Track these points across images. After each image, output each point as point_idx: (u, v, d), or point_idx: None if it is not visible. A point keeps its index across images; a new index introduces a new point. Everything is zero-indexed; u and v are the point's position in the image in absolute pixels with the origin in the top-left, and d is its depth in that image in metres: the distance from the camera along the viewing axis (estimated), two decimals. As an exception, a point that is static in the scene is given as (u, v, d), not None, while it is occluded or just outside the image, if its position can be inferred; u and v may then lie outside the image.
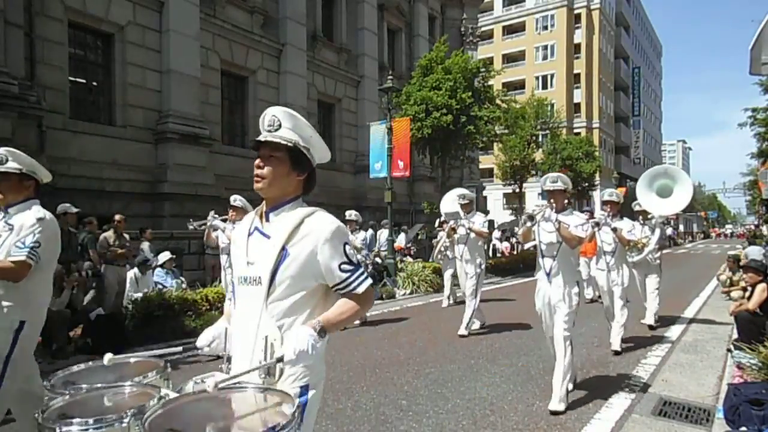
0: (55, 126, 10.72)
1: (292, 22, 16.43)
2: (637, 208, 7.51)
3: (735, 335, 5.91)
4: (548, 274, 4.33)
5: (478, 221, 7.05)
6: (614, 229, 5.76)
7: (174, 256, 8.86)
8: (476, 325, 7.24)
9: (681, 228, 52.99)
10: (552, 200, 4.38)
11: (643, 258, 7.05)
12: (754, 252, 10.79)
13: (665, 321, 7.99)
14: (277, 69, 16.42)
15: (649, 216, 7.44)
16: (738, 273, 9.84)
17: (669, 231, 40.97)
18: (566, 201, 4.52)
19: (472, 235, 7.03)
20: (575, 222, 4.26)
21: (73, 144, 11.09)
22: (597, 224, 5.70)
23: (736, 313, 5.95)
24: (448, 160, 17.39)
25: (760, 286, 5.64)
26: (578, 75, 48.92)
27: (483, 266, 7.17)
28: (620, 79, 57.13)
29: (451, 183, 19.17)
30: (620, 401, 4.27)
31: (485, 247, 10.45)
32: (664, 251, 8.63)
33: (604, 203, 6.38)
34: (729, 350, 5.64)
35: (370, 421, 3.85)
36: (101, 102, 12.33)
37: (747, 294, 6.19)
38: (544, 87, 47.12)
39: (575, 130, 45.17)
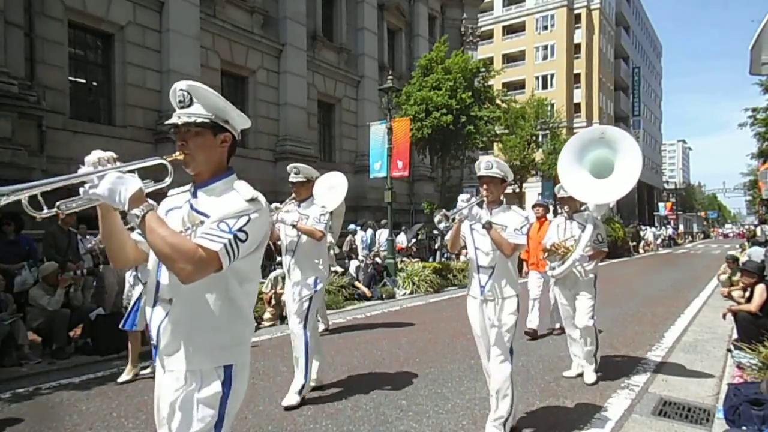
0: (55, 126, 10.71)
1: (292, 22, 16.43)
2: (561, 194, 4.95)
3: (735, 335, 5.91)
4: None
5: (314, 213, 4.40)
6: (486, 226, 3.32)
7: None
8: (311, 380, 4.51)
9: (681, 228, 53.07)
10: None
11: (566, 270, 4.80)
12: (756, 253, 10.78)
13: (665, 321, 7.99)
14: (277, 69, 16.42)
15: (582, 207, 4.98)
16: (737, 273, 9.83)
17: (669, 231, 41.22)
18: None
19: (304, 237, 4.37)
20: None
21: (73, 144, 11.07)
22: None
23: (728, 312, 5.95)
24: (448, 160, 17.37)
25: (760, 287, 5.64)
26: (578, 75, 48.91)
27: (321, 285, 4.46)
28: (620, 79, 57.14)
29: (451, 183, 19.19)
30: (620, 401, 4.27)
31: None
32: (663, 251, 8.32)
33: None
34: (729, 350, 5.64)
35: (370, 421, 3.85)
36: (101, 102, 12.32)
37: (746, 295, 6.19)
38: (544, 87, 47.11)
39: (575, 130, 45.05)
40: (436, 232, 16.56)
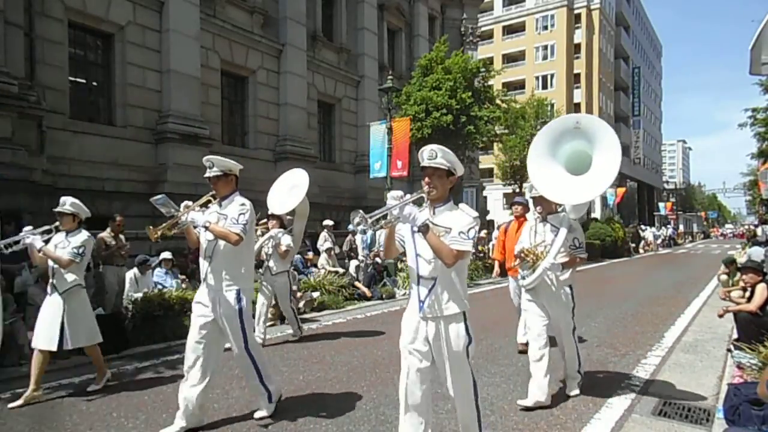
0: (55, 126, 10.72)
1: (292, 22, 16.43)
2: (533, 192, 4.35)
3: (735, 335, 5.91)
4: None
5: (232, 213, 3.77)
6: (422, 228, 2.67)
7: (172, 258, 8.76)
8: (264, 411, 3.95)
9: (681, 228, 53.06)
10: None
11: (536, 281, 4.19)
12: (756, 253, 10.78)
13: (665, 321, 7.99)
14: (277, 69, 16.42)
15: (558, 208, 4.37)
16: (735, 276, 9.83)
17: (669, 231, 41.21)
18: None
19: (222, 241, 3.75)
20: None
21: (73, 144, 11.09)
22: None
23: (723, 312, 5.93)
24: (448, 160, 17.38)
25: (761, 286, 5.63)
26: (578, 75, 48.94)
27: (245, 300, 3.78)
28: (620, 79, 57.16)
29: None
30: (620, 401, 4.26)
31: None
32: (663, 251, 8.13)
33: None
34: (729, 350, 5.64)
35: (370, 421, 3.85)
36: (101, 102, 12.33)
37: (747, 294, 6.18)
38: (544, 87, 47.12)
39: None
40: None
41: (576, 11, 48.86)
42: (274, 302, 7.91)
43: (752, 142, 27.86)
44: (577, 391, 4.40)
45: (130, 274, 7.94)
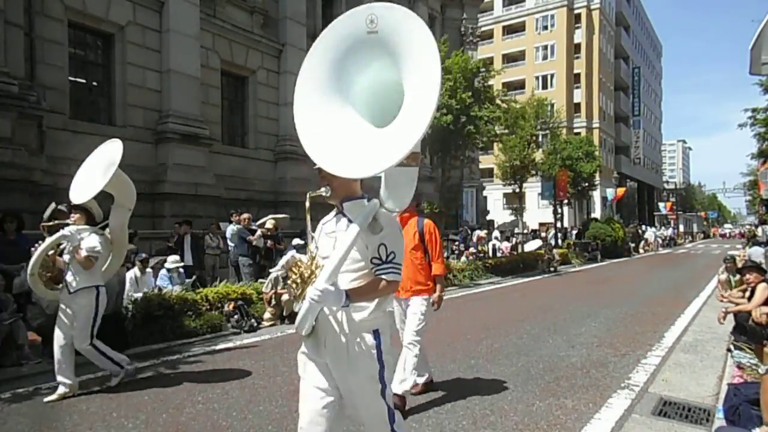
0: (55, 126, 10.72)
1: (292, 22, 16.43)
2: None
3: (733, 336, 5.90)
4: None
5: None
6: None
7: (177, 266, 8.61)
8: None
9: (681, 228, 53.10)
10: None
11: (306, 320, 2.11)
12: (756, 253, 10.78)
13: (665, 321, 8.00)
14: (277, 69, 16.42)
15: (360, 191, 2.33)
16: (736, 275, 9.82)
17: (669, 231, 41.25)
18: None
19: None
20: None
21: (73, 144, 11.06)
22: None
23: (723, 315, 5.92)
24: (448, 160, 17.39)
25: (761, 286, 5.62)
26: (578, 75, 48.93)
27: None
28: (620, 79, 57.16)
29: (451, 183, 19.19)
30: (620, 401, 4.27)
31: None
32: (663, 251, 8.14)
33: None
34: (729, 350, 5.63)
35: (370, 421, 3.85)
36: (101, 102, 12.33)
37: (747, 294, 6.17)
38: (544, 87, 47.12)
39: (575, 130, 45.19)
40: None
41: (576, 11, 48.85)
42: (274, 302, 7.88)
43: (752, 142, 27.88)
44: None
45: (131, 274, 7.93)
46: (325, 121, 2.10)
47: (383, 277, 2.12)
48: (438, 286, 4.34)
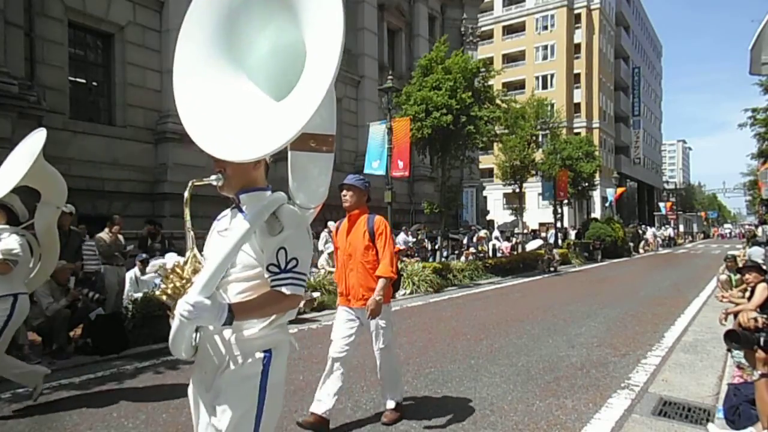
0: (55, 126, 10.69)
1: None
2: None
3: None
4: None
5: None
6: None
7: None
8: None
9: (681, 228, 53.09)
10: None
11: (180, 336, 1.68)
12: (756, 253, 10.77)
13: (665, 321, 8.00)
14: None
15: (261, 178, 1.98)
16: (736, 274, 9.82)
17: (669, 231, 41.25)
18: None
19: None
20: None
21: (73, 144, 11.09)
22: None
23: (724, 316, 5.91)
24: (448, 160, 17.35)
25: (761, 286, 5.62)
26: (578, 75, 48.94)
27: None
28: (620, 79, 57.18)
29: (451, 183, 19.17)
30: (620, 401, 4.27)
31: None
32: (663, 251, 8.05)
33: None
34: (729, 350, 5.63)
35: (370, 420, 3.85)
36: (101, 102, 12.34)
37: (747, 294, 6.17)
38: (544, 87, 47.12)
39: (575, 130, 45.16)
40: (435, 232, 16.55)
41: (576, 11, 48.85)
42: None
43: (752, 143, 27.88)
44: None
45: (131, 274, 7.94)
46: (211, 91, 1.79)
47: (281, 289, 1.69)
48: (378, 289, 3.57)
